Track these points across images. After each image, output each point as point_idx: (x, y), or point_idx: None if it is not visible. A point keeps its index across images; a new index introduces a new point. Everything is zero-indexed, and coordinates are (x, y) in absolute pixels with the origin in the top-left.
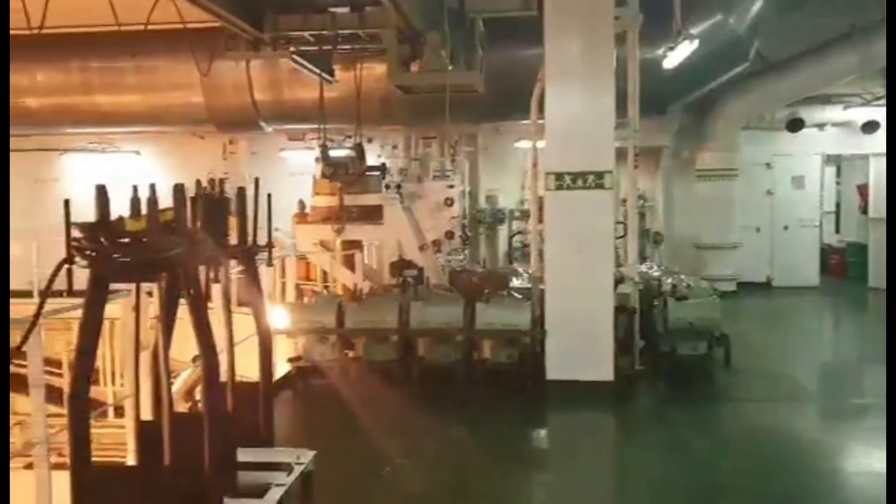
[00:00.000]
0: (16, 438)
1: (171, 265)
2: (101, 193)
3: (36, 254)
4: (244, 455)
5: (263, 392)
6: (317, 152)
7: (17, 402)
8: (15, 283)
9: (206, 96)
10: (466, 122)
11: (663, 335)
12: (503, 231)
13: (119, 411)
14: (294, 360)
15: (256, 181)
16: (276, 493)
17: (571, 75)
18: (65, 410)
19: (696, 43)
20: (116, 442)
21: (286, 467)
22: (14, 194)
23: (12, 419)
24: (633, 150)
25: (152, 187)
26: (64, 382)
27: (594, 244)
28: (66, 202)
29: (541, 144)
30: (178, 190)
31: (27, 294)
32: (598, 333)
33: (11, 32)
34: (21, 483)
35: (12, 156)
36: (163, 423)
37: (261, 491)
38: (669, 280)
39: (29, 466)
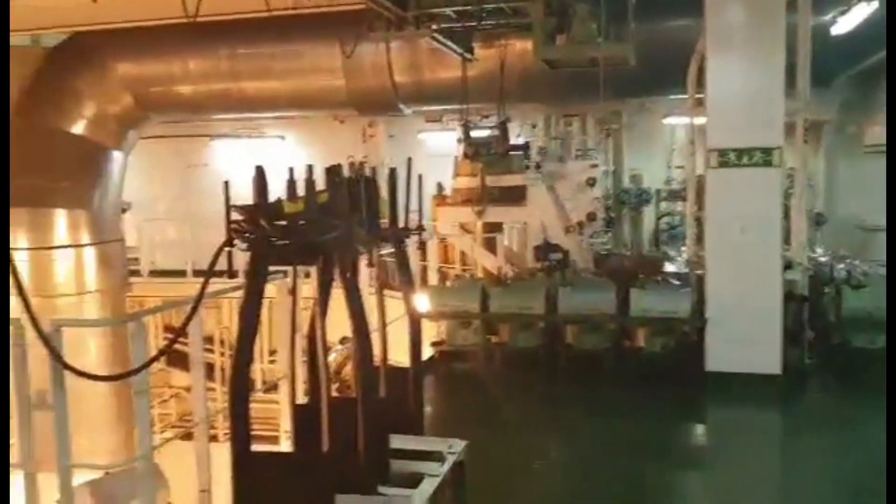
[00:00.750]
0: (172, 409)
1: (328, 248)
2: (260, 175)
3: (190, 236)
4: (395, 442)
5: (413, 378)
6: (457, 133)
7: (174, 376)
8: (172, 264)
9: (346, 79)
10: (611, 98)
11: (835, 325)
12: (648, 212)
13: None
14: (437, 345)
15: (409, 162)
16: (429, 484)
17: (736, 45)
18: (217, 386)
19: (874, 4)
20: (266, 416)
21: (438, 456)
22: (167, 179)
23: (169, 392)
24: (803, 124)
25: (310, 169)
26: (216, 359)
27: (760, 226)
28: (226, 184)
29: (699, 120)
30: (334, 172)
31: (182, 274)
32: (765, 323)
33: (166, 22)
34: (177, 452)
35: (166, 142)
36: (320, 408)
37: (413, 480)
38: (842, 266)
39: (186, 437)
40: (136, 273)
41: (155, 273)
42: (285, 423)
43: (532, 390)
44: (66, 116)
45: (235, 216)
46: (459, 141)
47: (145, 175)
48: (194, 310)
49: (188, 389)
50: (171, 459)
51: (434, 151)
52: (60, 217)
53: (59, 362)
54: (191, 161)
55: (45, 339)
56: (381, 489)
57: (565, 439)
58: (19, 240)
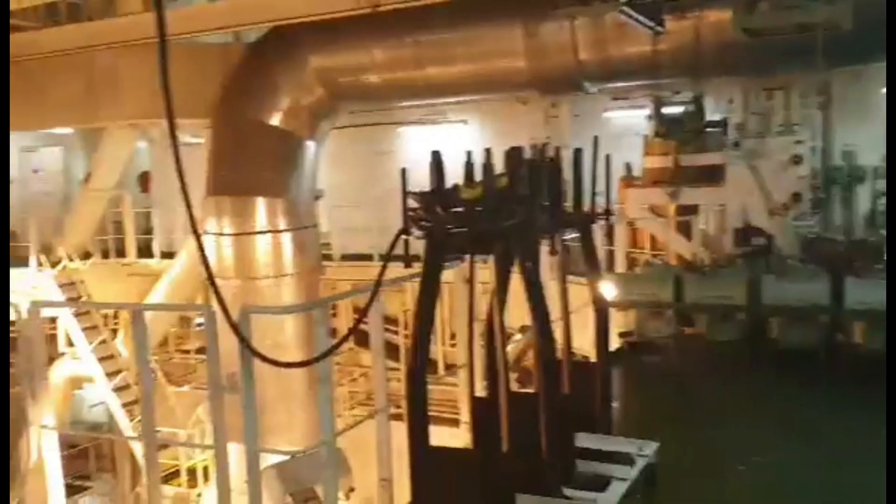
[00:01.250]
0: (362, 388)
1: (507, 236)
2: (436, 160)
3: (375, 221)
4: (580, 441)
5: (601, 373)
6: (647, 110)
7: (364, 356)
8: (360, 249)
9: (528, 60)
10: (823, 68)
11: None
12: (862, 192)
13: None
14: (625, 336)
15: (595, 141)
16: (617, 489)
17: None
18: (398, 365)
19: None
20: (449, 398)
21: (627, 458)
22: (356, 166)
23: (359, 371)
24: None
25: (487, 152)
26: (399, 340)
27: None
28: (403, 171)
29: None
30: (514, 155)
31: (368, 258)
32: None
33: (348, 14)
34: (366, 429)
35: (354, 131)
36: (499, 403)
37: (600, 483)
38: None
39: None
40: (328, 257)
41: (346, 257)
42: (464, 413)
43: (732, 387)
44: (264, 109)
45: (412, 203)
46: (650, 118)
47: (336, 163)
48: (371, 300)
49: None
50: (362, 437)
51: (621, 130)
52: (260, 204)
53: (247, 348)
54: (378, 148)
55: (234, 327)
56: (566, 491)
57: (770, 443)
58: (225, 226)
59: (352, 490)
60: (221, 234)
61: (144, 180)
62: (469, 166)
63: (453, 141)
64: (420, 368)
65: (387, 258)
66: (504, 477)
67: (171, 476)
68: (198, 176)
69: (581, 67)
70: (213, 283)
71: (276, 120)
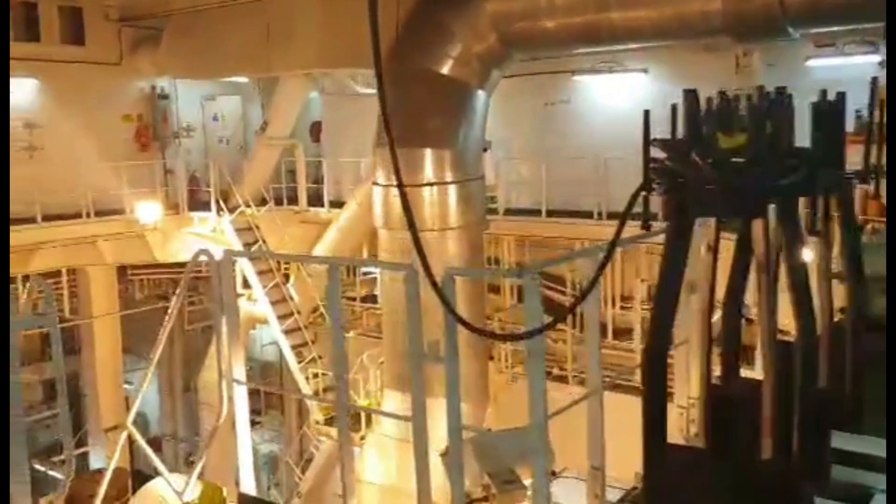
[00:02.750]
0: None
1: (782, 195)
2: (691, 99)
3: (545, 175)
4: (837, 441)
5: (853, 358)
6: (876, 56)
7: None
8: (526, 203)
9: (724, 2)
10: None
11: None
12: None
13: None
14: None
15: (823, 94)
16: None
17: None
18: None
19: None
20: (616, 363)
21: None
22: (524, 117)
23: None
24: None
25: (761, 90)
26: (565, 300)
27: None
28: (646, 114)
29: None
30: (783, 94)
31: (537, 213)
32: None
33: None
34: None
35: (522, 80)
36: (739, 395)
37: (859, 496)
38: None
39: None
40: (492, 211)
41: (510, 212)
42: (699, 415)
43: None
44: (435, 57)
45: (655, 154)
46: (882, 65)
47: (502, 113)
48: (603, 264)
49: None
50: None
51: (825, 82)
52: (428, 156)
53: (452, 314)
54: (550, 98)
55: (439, 291)
56: (817, 501)
57: None
58: (392, 177)
59: (553, 474)
60: (390, 186)
61: (316, 130)
62: (725, 104)
63: (631, 91)
64: (662, 350)
65: (623, 218)
66: (745, 480)
67: (333, 419)
68: (372, 126)
69: (785, 9)
70: (417, 243)
71: (446, 68)
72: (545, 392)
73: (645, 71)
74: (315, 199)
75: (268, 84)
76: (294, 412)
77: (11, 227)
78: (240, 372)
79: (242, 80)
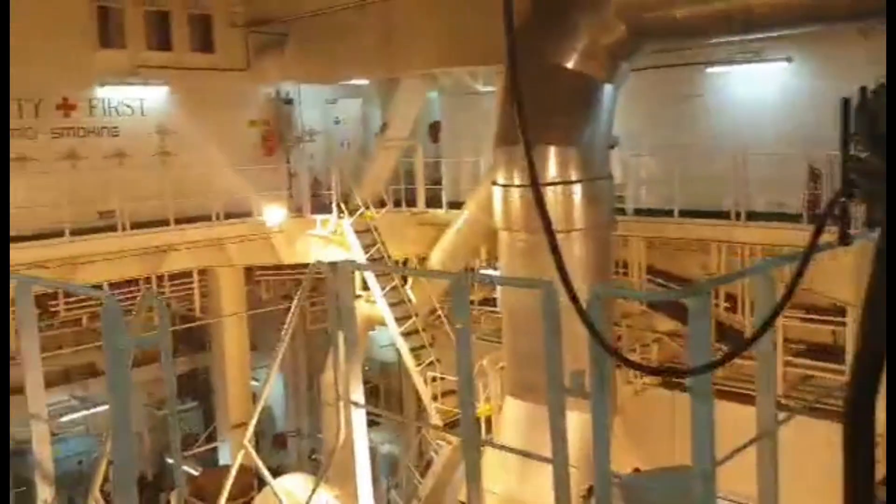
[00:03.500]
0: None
1: None
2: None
3: (678, 172)
4: None
5: None
6: None
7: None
8: (655, 203)
9: None
10: None
11: None
12: None
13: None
14: None
15: None
16: None
17: None
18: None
19: None
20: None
21: None
22: (654, 111)
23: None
24: None
25: None
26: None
27: None
28: (845, 102)
29: None
30: None
31: (669, 213)
32: None
33: None
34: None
35: (650, 73)
36: None
37: None
38: None
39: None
40: (620, 211)
41: (639, 212)
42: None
43: None
44: (560, 50)
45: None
46: None
47: (630, 108)
48: (797, 276)
49: (670, 335)
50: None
51: None
52: (551, 153)
53: (598, 342)
54: (682, 91)
55: (584, 315)
56: None
57: None
58: (514, 176)
59: None
60: (510, 186)
61: (434, 130)
62: None
63: (774, 84)
64: (872, 384)
65: (820, 224)
66: None
67: (453, 424)
68: (491, 125)
69: None
70: (555, 252)
71: (571, 62)
72: (712, 436)
73: (789, 60)
74: (433, 200)
75: (387, 86)
76: (413, 414)
77: (145, 230)
78: (358, 394)
79: (363, 82)
